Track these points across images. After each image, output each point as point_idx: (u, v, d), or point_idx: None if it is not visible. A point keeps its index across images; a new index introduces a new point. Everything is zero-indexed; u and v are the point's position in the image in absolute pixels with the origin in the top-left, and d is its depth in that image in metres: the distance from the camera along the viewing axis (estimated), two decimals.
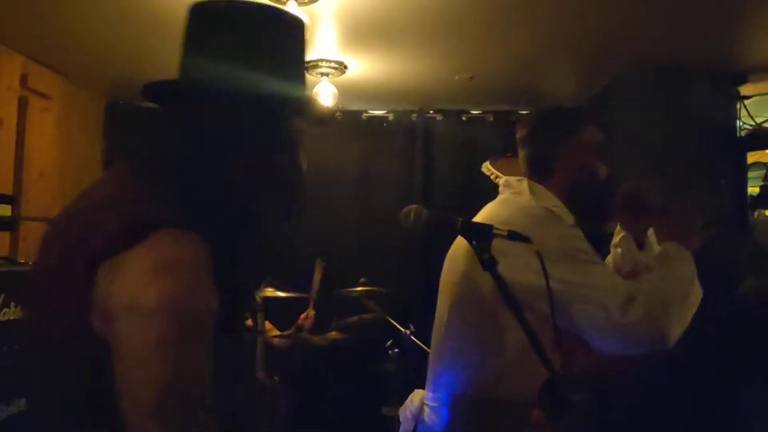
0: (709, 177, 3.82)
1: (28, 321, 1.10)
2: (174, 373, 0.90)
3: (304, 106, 1.21)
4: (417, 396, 1.83)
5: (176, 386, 0.90)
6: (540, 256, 1.34)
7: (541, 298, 1.37)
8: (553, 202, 1.74)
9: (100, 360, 0.91)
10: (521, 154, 1.88)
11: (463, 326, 1.68)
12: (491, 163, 2.92)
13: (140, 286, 0.90)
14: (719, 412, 3.11)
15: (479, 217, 1.78)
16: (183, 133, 1.08)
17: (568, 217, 1.73)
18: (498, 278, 1.34)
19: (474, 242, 1.37)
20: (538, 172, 1.81)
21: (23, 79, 3.73)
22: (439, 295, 1.82)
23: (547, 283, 1.34)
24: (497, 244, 1.36)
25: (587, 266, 1.58)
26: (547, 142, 1.82)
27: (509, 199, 1.80)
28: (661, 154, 3.79)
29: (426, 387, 1.80)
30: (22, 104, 3.74)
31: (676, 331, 1.51)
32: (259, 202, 1.12)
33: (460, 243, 1.75)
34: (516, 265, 1.47)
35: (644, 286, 1.57)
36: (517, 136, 1.90)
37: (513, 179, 1.84)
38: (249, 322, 3.62)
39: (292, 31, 1.17)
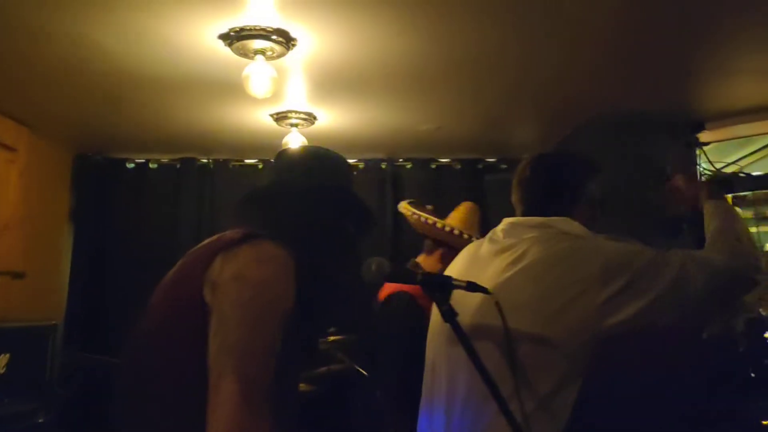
0: (671, 223, 3.90)
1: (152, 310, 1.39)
2: (251, 335, 1.20)
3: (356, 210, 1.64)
4: None
5: (252, 348, 1.20)
6: (498, 305, 1.36)
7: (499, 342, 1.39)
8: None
9: (203, 326, 1.22)
10: (527, 191, 1.85)
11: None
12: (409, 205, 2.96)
13: (244, 266, 1.27)
14: None
15: (561, 265, 1.64)
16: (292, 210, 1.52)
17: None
18: (458, 328, 1.35)
19: (436, 294, 1.38)
20: (556, 210, 1.79)
21: None
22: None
23: (506, 329, 1.36)
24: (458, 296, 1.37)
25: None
26: (570, 184, 1.83)
27: (567, 235, 1.73)
28: (623, 202, 3.87)
29: None
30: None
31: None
32: (331, 257, 1.52)
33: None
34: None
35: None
36: (527, 173, 1.87)
37: (556, 219, 1.75)
38: None
39: (344, 162, 1.73)
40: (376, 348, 2.60)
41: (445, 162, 5.12)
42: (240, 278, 1.25)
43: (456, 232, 2.66)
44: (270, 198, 1.55)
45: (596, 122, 4.05)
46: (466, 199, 4.85)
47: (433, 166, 5.11)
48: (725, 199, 1.93)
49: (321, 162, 1.63)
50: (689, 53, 3.18)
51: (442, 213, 4.41)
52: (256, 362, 1.20)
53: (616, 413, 1.94)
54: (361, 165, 5.12)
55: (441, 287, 1.38)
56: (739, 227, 1.78)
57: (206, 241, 1.47)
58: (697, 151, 4.18)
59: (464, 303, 1.60)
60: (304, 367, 1.59)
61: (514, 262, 1.66)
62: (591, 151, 4.10)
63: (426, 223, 2.70)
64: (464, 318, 1.62)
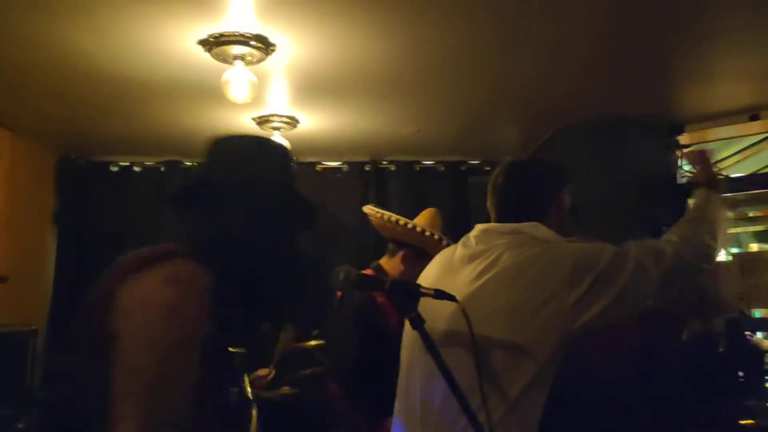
0: (651, 224, 3.94)
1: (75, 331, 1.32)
2: (159, 363, 1.11)
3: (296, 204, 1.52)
4: None
5: (159, 376, 1.10)
6: (465, 313, 1.38)
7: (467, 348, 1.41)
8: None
9: (108, 354, 1.12)
10: (500, 198, 1.87)
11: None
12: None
13: (150, 291, 1.18)
14: None
15: (531, 271, 1.66)
16: (214, 217, 1.39)
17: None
18: (425, 335, 1.36)
19: (403, 301, 1.40)
20: (526, 219, 1.80)
21: None
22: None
23: (472, 336, 1.39)
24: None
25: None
26: (542, 191, 1.85)
27: (535, 239, 1.75)
28: (603, 204, 3.90)
29: None
30: None
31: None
32: (271, 258, 1.43)
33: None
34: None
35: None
36: (501, 180, 1.88)
37: (527, 225, 1.78)
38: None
39: (284, 153, 1.57)
40: (333, 345, 2.58)
41: (429, 164, 5.14)
42: (145, 305, 1.16)
43: (419, 229, 2.60)
44: (205, 193, 1.42)
45: (576, 125, 4.08)
46: (449, 201, 4.94)
47: (417, 169, 5.13)
48: (716, 192, 1.97)
49: (260, 151, 1.50)
50: (668, 57, 3.21)
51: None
52: (161, 399, 1.10)
53: (592, 413, 1.97)
54: (345, 167, 5.13)
55: (409, 295, 1.40)
56: (710, 218, 1.84)
57: (121, 259, 1.35)
58: (677, 154, 4.22)
59: (437, 310, 1.62)
60: (237, 382, 1.44)
61: (486, 269, 1.68)
62: (571, 155, 4.15)
63: (390, 221, 2.61)
64: (437, 325, 1.64)
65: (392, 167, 5.14)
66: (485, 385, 1.51)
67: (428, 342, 1.37)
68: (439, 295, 1.40)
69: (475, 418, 1.31)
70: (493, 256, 1.69)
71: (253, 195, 1.40)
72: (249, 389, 1.65)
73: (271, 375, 3.90)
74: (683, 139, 4.26)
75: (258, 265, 1.39)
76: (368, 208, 2.78)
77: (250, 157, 1.47)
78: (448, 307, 1.48)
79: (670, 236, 1.78)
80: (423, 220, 2.70)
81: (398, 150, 4.88)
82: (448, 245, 2.05)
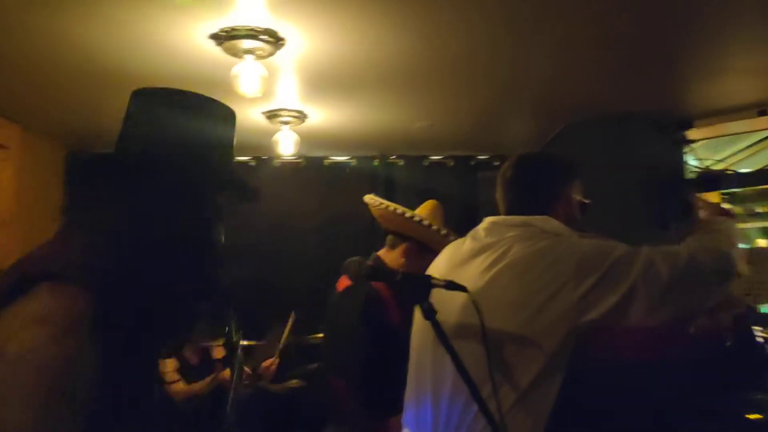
0: (659, 220, 3.94)
1: None
2: (32, 419, 0.94)
3: (226, 184, 1.30)
4: None
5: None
6: (476, 304, 1.40)
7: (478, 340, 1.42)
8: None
9: None
10: (510, 191, 1.88)
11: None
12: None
13: (6, 336, 0.98)
14: None
15: (539, 263, 1.66)
16: (109, 198, 1.18)
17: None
18: (437, 326, 1.38)
19: (413, 293, 1.41)
20: (537, 209, 1.81)
21: None
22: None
23: (483, 327, 1.40)
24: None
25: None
26: (552, 184, 1.86)
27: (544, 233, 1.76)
28: (611, 199, 3.90)
29: None
30: None
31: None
32: (164, 265, 1.16)
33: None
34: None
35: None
36: (510, 173, 1.90)
37: (537, 218, 1.78)
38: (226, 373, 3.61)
39: (221, 118, 1.32)
40: (336, 339, 2.54)
41: (438, 159, 5.15)
42: (3, 356, 0.97)
43: (426, 222, 2.51)
44: (111, 176, 1.20)
45: (586, 120, 4.09)
46: (459, 196, 4.93)
47: (426, 164, 5.14)
48: (729, 218, 1.91)
49: (196, 114, 1.27)
50: (678, 52, 3.21)
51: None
52: None
53: (599, 408, 1.98)
54: (354, 162, 5.15)
55: (420, 286, 1.41)
56: (725, 231, 1.79)
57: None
58: (686, 149, 4.22)
59: (448, 302, 1.63)
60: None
61: (495, 261, 1.69)
62: (580, 149, 4.16)
63: (395, 213, 2.53)
64: (449, 317, 1.65)
65: (401, 162, 5.15)
66: (496, 376, 1.53)
67: (440, 332, 1.38)
68: (451, 286, 1.41)
69: (485, 405, 1.33)
70: (502, 249, 1.70)
71: (189, 172, 1.18)
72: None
73: (275, 364, 3.94)
74: (692, 134, 4.25)
75: (162, 287, 1.16)
76: (370, 198, 2.72)
77: (193, 119, 1.24)
78: (459, 298, 1.49)
79: (687, 243, 1.74)
80: (425, 212, 2.65)
81: (408, 145, 4.89)
82: (453, 240, 2.05)
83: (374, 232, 5.01)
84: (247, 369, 3.75)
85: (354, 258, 1.46)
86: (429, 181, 5.01)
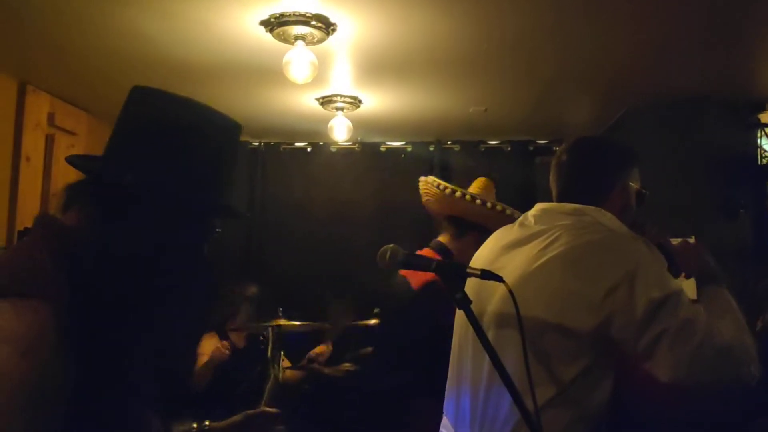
0: (728, 207, 3.76)
1: None
2: None
3: (216, 209, 1.19)
4: None
5: None
6: (512, 294, 1.36)
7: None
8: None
9: None
10: (563, 176, 1.80)
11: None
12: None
13: None
14: None
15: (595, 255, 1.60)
16: (87, 208, 1.09)
17: None
18: (471, 316, 1.35)
19: (449, 282, 1.38)
20: (588, 199, 1.73)
21: (50, 118, 3.88)
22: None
23: (519, 317, 1.36)
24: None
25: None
26: (607, 171, 1.78)
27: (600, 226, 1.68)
28: (678, 186, 3.75)
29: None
30: (49, 142, 3.88)
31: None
32: (141, 283, 1.07)
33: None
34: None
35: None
36: (564, 157, 1.82)
37: (590, 208, 1.70)
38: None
39: (219, 133, 1.18)
40: (409, 332, 2.48)
41: (495, 144, 5.06)
42: None
43: (499, 207, 2.32)
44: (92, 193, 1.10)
45: (650, 103, 3.92)
46: (516, 182, 4.81)
47: (482, 149, 5.06)
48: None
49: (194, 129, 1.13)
50: (751, 29, 3.03)
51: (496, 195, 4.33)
52: None
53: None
54: (409, 148, 5.11)
55: (456, 275, 1.38)
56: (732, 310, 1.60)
57: None
58: (758, 133, 4.00)
59: (489, 291, 1.60)
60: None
61: (544, 250, 1.62)
62: (644, 134, 4.00)
63: (465, 199, 2.36)
64: (489, 306, 1.62)
65: (457, 147, 5.08)
66: (538, 367, 1.48)
67: (474, 322, 1.35)
68: (487, 275, 1.37)
69: (519, 396, 1.29)
70: (552, 237, 1.64)
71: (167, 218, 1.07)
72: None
73: (328, 351, 3.96)
74: (765, 117, 4.03)
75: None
76: (431, 181, 2.55)
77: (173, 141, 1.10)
78: (500, 287, 1.45)
79: (727, 322, 1.54)
80: (478, 190, 2.56)
81: (463, 130, 4.82)
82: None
83: (430, 216, 4.98)
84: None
85: (388, 245, 1.44)
86: (485, 166, 4.91)
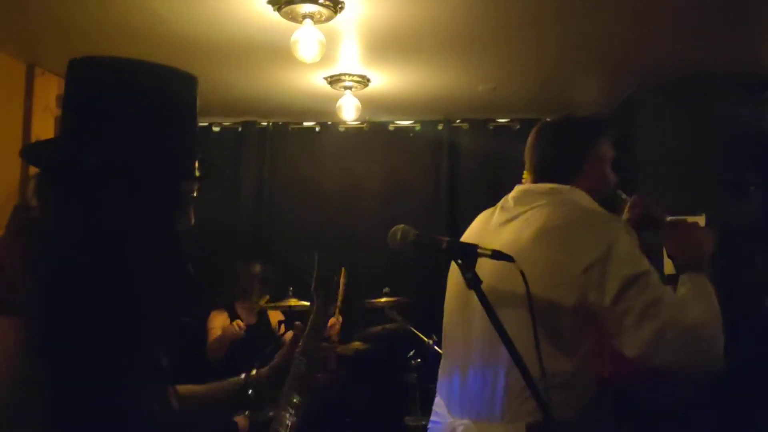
0: (738, 184, 3.74)
1: None
2: None
3: (187, 170, 1.10)
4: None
5: None
6: (523, 274, 1.37)
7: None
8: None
9: None
10: (536, 158, 1.85)
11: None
12: None
13: None
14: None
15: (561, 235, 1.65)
16: (48, 195, 1.02)
17: None
18: (482, 296, 1.36)
19: (459, 262, 1.40)
20: (563, 176, 1.79)
21: (59, 100, 3.88)
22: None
23: (528, 296, 1.39)
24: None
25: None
26: (576, 147, 1.83)
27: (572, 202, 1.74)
28: (688, 162, 3.73)
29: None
30: (58, 124, 3.88)
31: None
32: (112, 282, 0.98)
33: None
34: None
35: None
36: (532, 140, 1.88)
37: (564, 187, 1.76)
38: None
39: (179, 90, 1.11)
40: None
41: (504, 122, 5.03)
42: None
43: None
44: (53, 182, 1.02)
45: (659, 79, 3.89)
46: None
47: (491, 127, 5.03)
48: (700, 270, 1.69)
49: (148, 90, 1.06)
50: (762, 3, 2.99)
51: (502, 176, 4.33)
52: None
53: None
54: (417, 127, 5.09)
55: (467, 255, 1.39)
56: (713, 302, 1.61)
57: None
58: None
59: (481, 268, 1.62)
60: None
61: (526, 228, 1.69)
62: (654, 111, 3.97)
63: None
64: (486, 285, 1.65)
65: (465, 126, 5.06)
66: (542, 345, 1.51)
67: (485, 302, 1.36)
68: (497, 255, 1.39)
69: (527, 372, 1.32)
70: (532, 217, 1.71)
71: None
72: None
73: (339, 323, 3.98)
74: None
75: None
76: None
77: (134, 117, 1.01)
78: (492, 265, 1.46)
79: (698, 301, 1.58)
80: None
81: (472, 108, 4.79)
82: None
83: (438, 195, 5.00)
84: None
85: (399, 226, 1.45)
86: (494, 144, 4.90)
